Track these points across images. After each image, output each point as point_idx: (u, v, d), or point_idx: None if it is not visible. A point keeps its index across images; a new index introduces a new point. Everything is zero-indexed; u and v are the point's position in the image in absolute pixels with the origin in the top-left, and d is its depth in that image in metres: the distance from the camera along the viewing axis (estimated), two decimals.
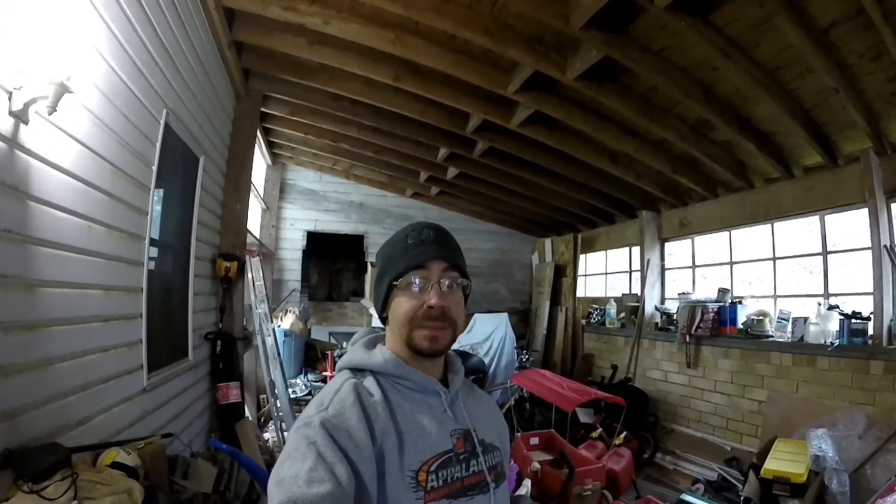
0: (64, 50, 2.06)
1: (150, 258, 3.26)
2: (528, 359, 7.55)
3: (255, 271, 5.62)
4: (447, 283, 1.07)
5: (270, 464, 4.78)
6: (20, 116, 1.87)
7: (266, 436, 5.58)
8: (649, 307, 7.01)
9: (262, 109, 6.02)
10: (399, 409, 1.01)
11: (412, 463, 0.95)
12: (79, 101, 2.23)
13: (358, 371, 1.08)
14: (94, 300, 2.55)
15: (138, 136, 2.95)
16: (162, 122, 3.27)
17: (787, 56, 3.68)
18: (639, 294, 7.27)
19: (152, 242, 3.27)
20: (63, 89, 1.91)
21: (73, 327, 2.33)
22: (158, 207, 3.52)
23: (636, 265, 7.65)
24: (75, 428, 2.31)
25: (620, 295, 7.89)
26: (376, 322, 8.55)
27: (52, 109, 1.91)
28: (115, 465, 2.37)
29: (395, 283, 1.08)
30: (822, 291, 4.91)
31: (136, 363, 3.06)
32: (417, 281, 1.06)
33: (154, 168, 3.20)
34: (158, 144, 3.24)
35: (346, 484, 0.82)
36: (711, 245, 6.57)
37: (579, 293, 9.10)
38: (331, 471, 0.83)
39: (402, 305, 1.06)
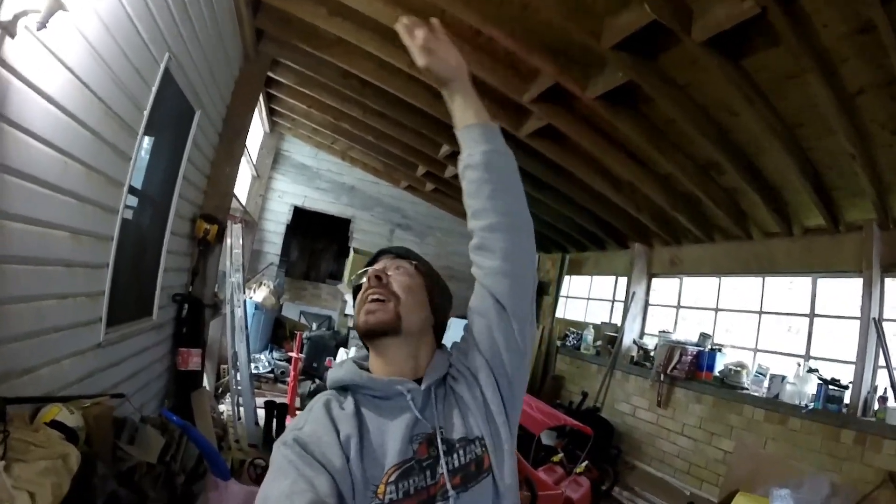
0: None
1: (128, 207, 3.06)
2: None
3: (234, 238, 5.42)
4: (394, 266, 1.10)
5: (221, 438, 4.60)
6: (7, 28, 1.68)
7: (221, 408, 5.38)
8: (628, 340, 6.95)
9: (269, 74, 5.83)
10: (367, 419, 0.98)
11: (375, 476, 0.91)
12: (75, 25, 2.04)
13: (340, 389, 1.05)
14: (59, 242, 2.35)
15: (134, 76, 2.75)
16: (162, 67, 3.07)
17: (810, 114, 3.62)
18: (618, 325, 7.20)
19: (132, 191, 3.07)
20: (57, 5, 1.73)
21: (33, 268, 2.14)
22: (144, 155, 3.31)
23: (620, 295, 7.59)
24: (19, 377, 2.12)
25: (600, 322, 7.82)
26: (349, 309, 8.42)
27: (42, 25, 1.73)
28: (55, 424, 2.18)
29: (357, 287, 1.11)
30: (803, 352, 4.88)
31: (95, 315, 2.86)
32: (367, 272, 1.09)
33: (146, 113, 3.00)
34: (154, 89, 3.03)
35: (325, 494, 0.83)
36: (699, 287, 6.51)
37: (558, 314, 9.02)
38: (310, 483, 0.83)
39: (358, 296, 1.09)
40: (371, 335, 1.04)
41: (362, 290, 1.07)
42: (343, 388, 1.04)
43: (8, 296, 1.97)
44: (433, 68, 1.08)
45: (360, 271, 1.12)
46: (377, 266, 1.10)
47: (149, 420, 3.31)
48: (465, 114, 1.10)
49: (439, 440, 0.97)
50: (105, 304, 2.93)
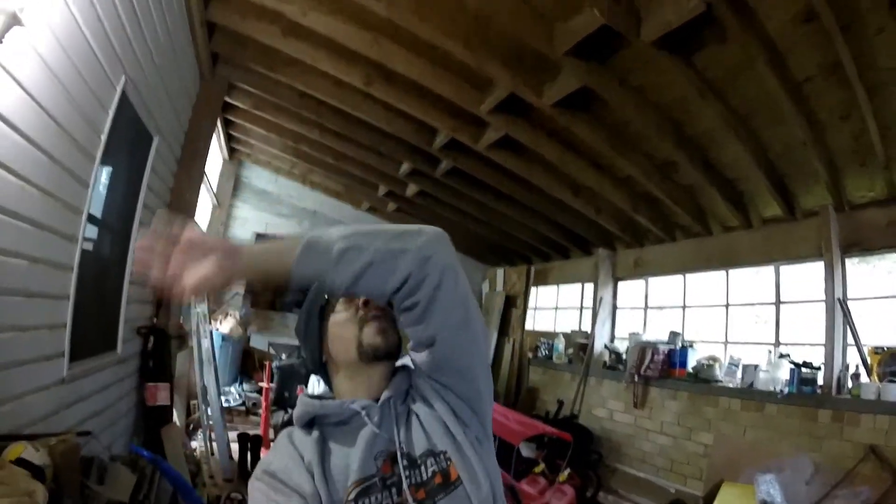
0: None
1: (87, 239, 2.93)
2: None
3: None
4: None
5: (196, 474, 4.40)
6: None
7: (193, 444, 5.16)
8: (599, 345, 7.03)
9: (226, 99, 5.75)
10: (332, 447, 0.99)
11: (336, 494, 0.92)
12: (30, 42, 1.96)
13: (306, 426, 1.05)
14: (17, 270, 2.22)
15: (91, 98, 2.66)
16: (119, 90, 2.97)
17: (760, 103, 3.78)
18: (588, 332, 7.28)
19: (91, 219, 2.95)
20: (14, 21, 1.67)
21: None
22: (104, 182, 3.20)
23: (588, 302, 7.68)
24: None
25: (570, 331, 7.89)
26: None
27: None
28: (21, 462, 2.05)
29: (324, 305, 1.07)
30: (773, 340, 5.01)
31: (58, 349, 2.71)
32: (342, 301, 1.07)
33: (103, 138, 2.89)
34: (111, 112, 2.93)
35: None
36: (665, 287, 6.66)
37: (528, 326, 9.06)
38: None
39: (339, 321, 1.05)
40: (386, 356, 1.05)
41: (355, 311, 1.05)
42: (308, 424, 1.05)
43: None
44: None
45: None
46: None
47: (118, 458, 3.15)
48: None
49: (399, 456, 0.96)
50: (67, 337, 2.79)
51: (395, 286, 0.90)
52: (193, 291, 0.82)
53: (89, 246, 3.11)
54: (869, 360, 4.10)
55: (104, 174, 3.19)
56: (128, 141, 3.50)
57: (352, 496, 0.91)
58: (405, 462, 0.95)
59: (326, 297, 1.08)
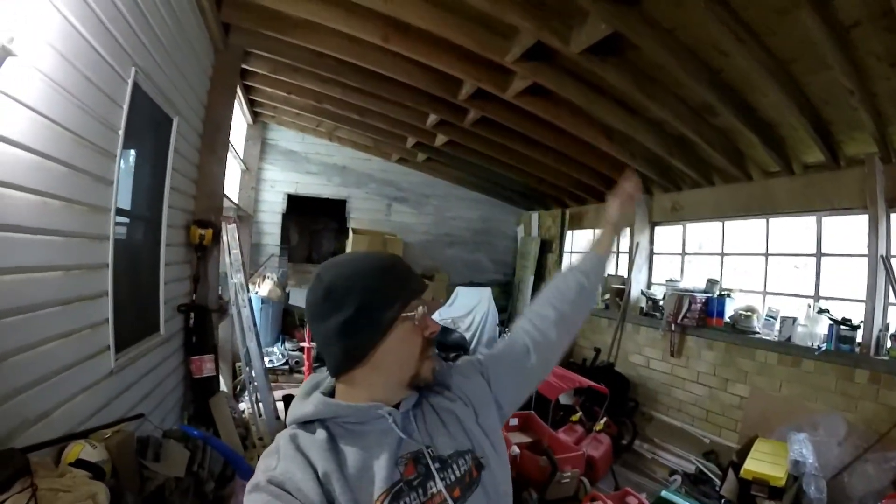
0: (7, 7, 1.76)
1: (118, 226, 3.01)
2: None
3: (230, 239, 5.37)
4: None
5: (245, 437, 4.67)
6: None
7: (241, 407, 5.45)
8: (635, 291, 6.94)
9: (244, 66, 5.67)
10: (345, 450, 0.96)
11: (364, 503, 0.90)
12: (30, 64, 1.95)
13: (306, 423, 1.00)
14: (51, 283, 2.32)
15: (102, 98, 2.66)
16: (130, 82, 2.96)
17: (803, 50, 3.48)
18: (625, 277, 7.19)
19: (119, 212, 3.02)
20: (5, 53, 1.65)
21: (28, 316, 2.10)
22: (127, 175, 3.24)
23: (624, 247, 7.53)
24: (34, 424, 2.13)
25: (606, 275, 7.80)
26: None
27: None
28: (80, 463, 2.20)
29: (405, 314, 1.00)
30: (812, 293, 4.84)
31: (102, 345, 2.86)
32: (421, 308, 1.02)
33: (121, 133, 2.91)
34: (126, 107, 2.94)
35: None
36: (703, 233, 6.45)
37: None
38: None
39: (407, 342, 1.01)
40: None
41: (425, 341, 1.04)
42: (308, 422, 1.00)
43: (7, 349, 1.95)
44: (618, 224, 1.43)
45: (415, 297, 1.04)
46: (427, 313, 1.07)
47: (171, 434, 3.34)
48: (601, 245, 1.41)
49: (429, 458, 0.97)
50: (111, 331, 2.93)
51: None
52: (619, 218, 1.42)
53: (122, 236, 3.20)
54: None
55: (127, 166, 3.24)
56: (147, 128, 3.52)
57: (384, 503, 0.90)
58: (437, 465, 0.97)
59: (403, 310, 1.01)
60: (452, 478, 0.97)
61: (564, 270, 1.35)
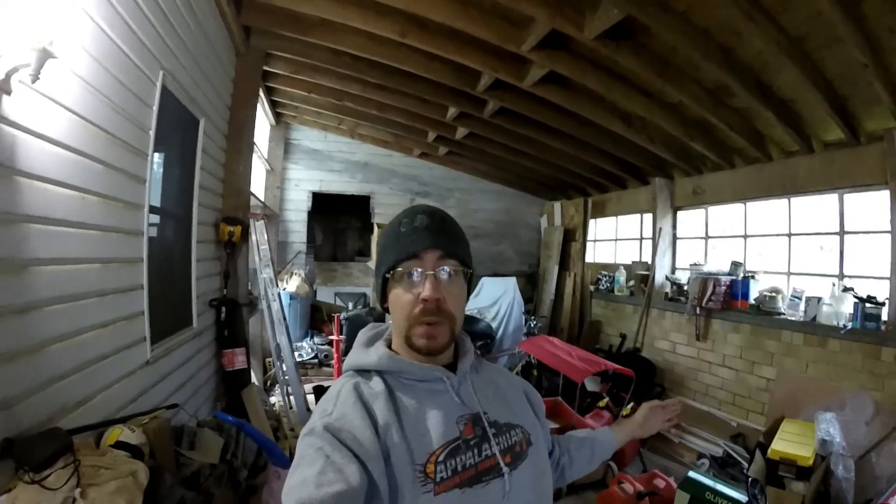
0: (46, 13, 1.89)
1: (151, 225, 3.15)
2: (535, 324, 7.52)
3: (259, 234, 5.53)
4: (445, 273, 1.03)
5: (276, 428, 4.81)
6: (2, 87, 1.74)
7: (273, 399, 5.61)
8: (660, 276, 6.91)
9: (265, 68, 5.81)
10: (403, 403, 0.99)
11: (419, 456, 0.92)
12: (67, 67, 2.08)
13: (364, 371, 1.05)
14: (90, 275, 2.46)
15: (133, 100, 2.80)
16: (158, 85, 3.11)
17: (814, 25, 3.45)
18: (649, 262, 7.16)
19: (152, 210, 3.17)
20: (46, 55, 1.76)
21: (69, 305, 2.24)
22: (158, 173, 3.39)
23: (647, 233, 7.51)
24: (75, 409, 2.25)
25: (630, 262, 7.78)
26: None
27: (35, 77, 1.77)
28: (120, 445, 2.33)
29: (387, 275, 1.05)
30: (836, 272, 4.77)
31: (139, 336, 3.00)
32: (411, 273, 1.02)
33: (151, 133, 3.06)
34: (155, 108, 3.08)
35: (355, 484, 0.82)
36: (725, 215, 6.39)
37: (588, 259, 8.99)
38: (340, 471, 0.82)
39: (399, 299, 1.04)
40: (429, 355, 1.04)
41: (415, 301, 1.01)
42: (366, 371, 1.05)
43: (50, 336, 2.08)
44: (642, 427, 1.50)
45: (403, 262, 1.02)
46: (425, 266, 1.02)
47: (205, 423, 3.48)
48: (619, 436, 1.46)
49: (486, 422, 1.03)
50: (146, 323, 3.07)
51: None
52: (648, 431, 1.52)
53: (154, 233, 3.35)
54: None
55: (158, 166, 3.39)
56: (176, 129, 3.66)
57: (441, 457, 0.93)
58: (493, 430, 1.03)
59: (387, 272, 1.05)
60: (505, 444, 1.03)
61: (585, 439, 1.42)
